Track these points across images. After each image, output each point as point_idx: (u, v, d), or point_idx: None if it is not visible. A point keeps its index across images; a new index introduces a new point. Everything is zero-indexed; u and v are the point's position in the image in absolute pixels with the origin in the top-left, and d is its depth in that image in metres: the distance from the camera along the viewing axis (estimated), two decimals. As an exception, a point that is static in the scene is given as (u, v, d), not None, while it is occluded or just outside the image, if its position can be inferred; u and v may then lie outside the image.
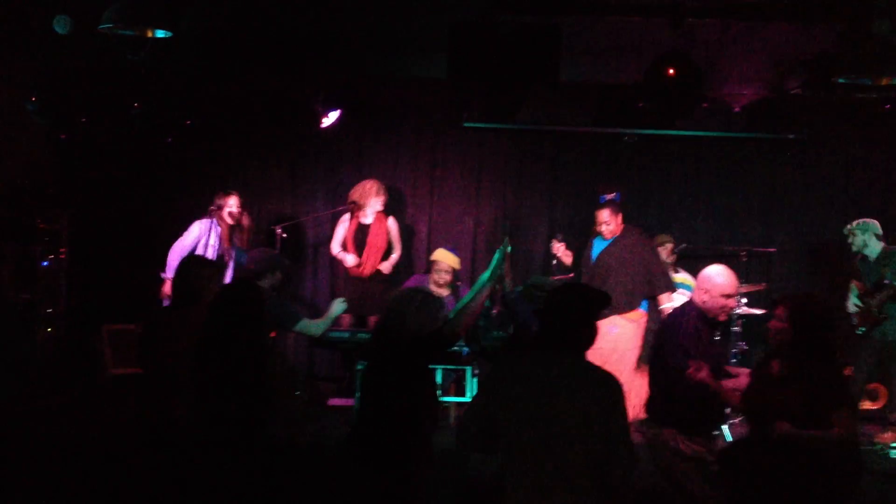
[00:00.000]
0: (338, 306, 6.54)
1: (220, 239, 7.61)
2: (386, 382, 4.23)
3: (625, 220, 7.55)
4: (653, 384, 5.20)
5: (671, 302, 7.20)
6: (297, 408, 6.71)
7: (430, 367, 4.44)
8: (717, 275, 4.97)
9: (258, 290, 4.52)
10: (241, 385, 4.18)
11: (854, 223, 7.31)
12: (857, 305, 7.25)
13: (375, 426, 4.21)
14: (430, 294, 4.50)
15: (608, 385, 3.48)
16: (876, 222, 7.29)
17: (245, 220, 7.82)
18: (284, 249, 8.09)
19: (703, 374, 4.60)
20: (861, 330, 7.21)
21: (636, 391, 6.44)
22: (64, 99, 7.26)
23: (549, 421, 3.39)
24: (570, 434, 3.37)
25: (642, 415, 5.56)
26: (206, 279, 5.05)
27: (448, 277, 7.48)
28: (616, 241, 7.41)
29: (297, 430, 6.65)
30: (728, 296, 4.93)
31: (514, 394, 3.49)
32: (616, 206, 7.53)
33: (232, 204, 7.64)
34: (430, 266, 7.64)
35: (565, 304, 3.64)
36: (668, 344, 5.01)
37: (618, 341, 7.15)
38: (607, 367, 3.60)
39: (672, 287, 7.43)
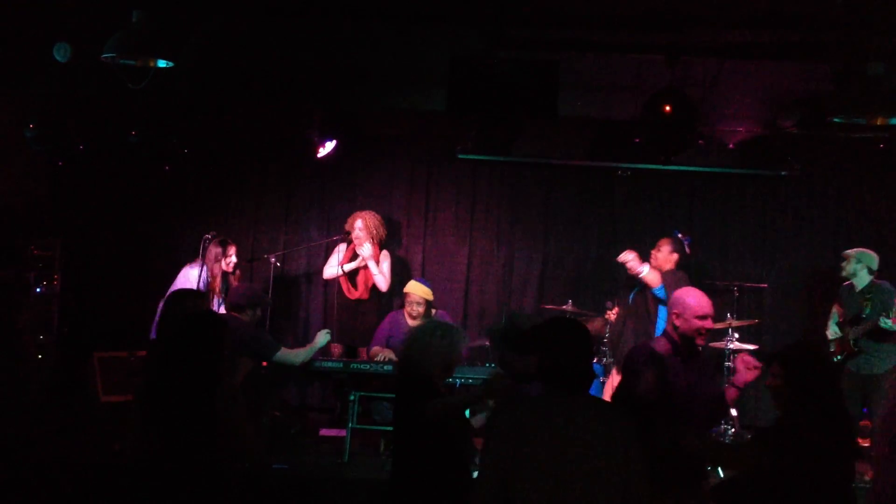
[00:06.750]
0: (322, 337, 6.56)
1: (209, 287, 7.43)
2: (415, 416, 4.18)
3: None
4: None
5: None
6: (260, 441, 6.50)
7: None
8: (689, 296, 4.71)
9: (219, 327, 4.25)
10: (186, 418, 4.01)
11: (854, 250, 7.44)
12: (835, 333, 7.38)
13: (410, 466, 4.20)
14: (450, 326, 4.48)
15: (627, 422, 3.34)
16: (875, 256, 7.37)
17: (234, 278, 7.71)
18: (277, 278, 8.10)
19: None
20: (837, 358, 7.30)
21: None
22: (62, 126, 7.26)
23: (580, 469, 3.20)
24: (602, 477, 3.21)
25: None
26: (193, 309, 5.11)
27: (420, 309, 7.35)
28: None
29: (262, 462, 6.50)
30: (702, 317, 4.63)
31: (532, 445, 3.23)
32: (675, 245, 7.51)
33: (231, 254, 7.55)
34: (403, 299, 7.62)
35: (568, 341, 3.41)
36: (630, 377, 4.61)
37: None
38: None
39: None
